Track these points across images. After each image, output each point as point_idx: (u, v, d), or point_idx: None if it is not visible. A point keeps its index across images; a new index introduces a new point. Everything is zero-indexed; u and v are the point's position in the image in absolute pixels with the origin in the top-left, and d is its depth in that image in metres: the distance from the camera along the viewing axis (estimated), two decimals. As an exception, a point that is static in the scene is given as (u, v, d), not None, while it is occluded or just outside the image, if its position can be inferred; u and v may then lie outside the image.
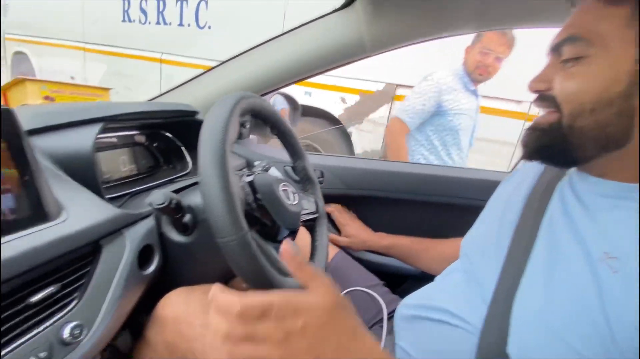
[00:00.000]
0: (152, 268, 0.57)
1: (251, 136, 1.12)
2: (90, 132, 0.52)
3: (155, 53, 3.18)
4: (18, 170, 0.42)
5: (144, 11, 3.13)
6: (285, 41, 0.82)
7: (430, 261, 0.94)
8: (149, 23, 3.13)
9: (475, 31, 0.76)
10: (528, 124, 2.42)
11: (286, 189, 0.62)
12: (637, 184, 0.45)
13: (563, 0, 0.61)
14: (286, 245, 0.39)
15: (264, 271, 0.41)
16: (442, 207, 1.04)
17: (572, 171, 0.57)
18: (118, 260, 0.51)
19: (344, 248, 1.02)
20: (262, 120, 0.66)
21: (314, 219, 0.70)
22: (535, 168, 0.67)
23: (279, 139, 0.72)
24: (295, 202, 0.63)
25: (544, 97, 0.49)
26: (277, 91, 1.03)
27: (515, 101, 2.25)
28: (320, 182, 1.05)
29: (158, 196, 0.50)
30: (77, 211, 0.47)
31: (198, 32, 2.90)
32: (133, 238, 0.53)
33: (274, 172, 1.01)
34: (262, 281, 0.41)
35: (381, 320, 0.80)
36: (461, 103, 1.68)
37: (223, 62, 0.85)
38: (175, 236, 0.60)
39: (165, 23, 3.03)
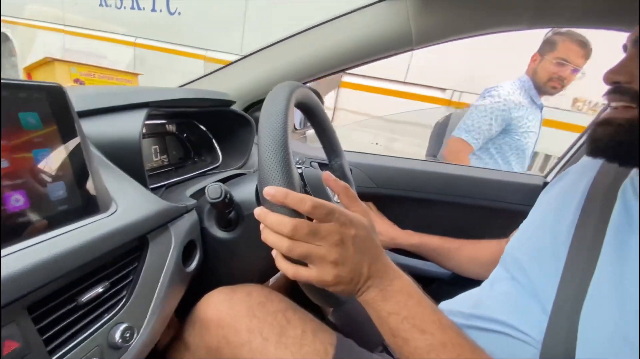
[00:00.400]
0: (193, 265, 0.54)
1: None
2: (137, 118, 0.48)
3: (129, 37, 3.37)
4: (69, 155, 0.38)
5: (119, -4, 3.30)
6: (327, 30, 0.78)
7: (462, 261, 0.91)
8: (124, 8, 3.33)
9: (528, 28, 0.72)
10: (451, 109, 2.60)
11: None
12: None
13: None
14: (327, 173, 0.47)
15: None
16: (473, 209, 1.01)
17: (634, 175, 0.55)
18: (165, 256, 0.47)
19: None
20: (307, 113, 0.63)
21: None
22: (586, 172, 0.64)
23: (318, 134, 0.69)
24: (339, 201, 0.60)
25: (622, 90, 0.46)
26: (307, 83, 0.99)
27: (440, 89, 2.51)
28: (349, 180, 1.02)
29: (214, 190, 0.46)
30: (126, 203, 0.43)
31: (169, 17, 3.10)
32: (178, 233, 0.49)
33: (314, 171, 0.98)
34: None
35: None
36: (529, 120, 1.52)
37: (258, 51, 0.81)
38: (217, 231, 0.57)
39: (139, 8, 3.23)
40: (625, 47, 0.50)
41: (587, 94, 2.55)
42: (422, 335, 0.41)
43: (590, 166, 0.66)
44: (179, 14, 3.05)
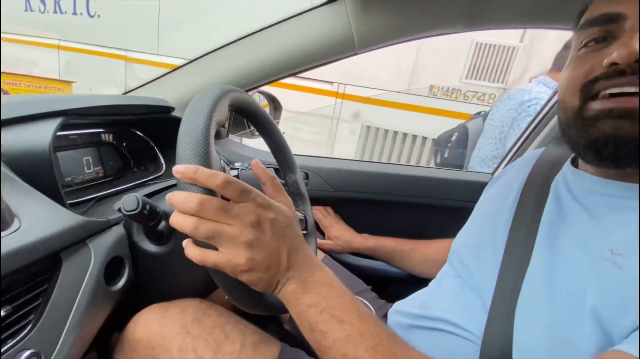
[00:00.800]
0: (121, 283, 0.51)
1: (230, 136, 1.07)
2: (47, 128, 0.45)
3: (53, 40, 3.57)
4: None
5: (43, 1, 3.53)
6: (269, 35, 0.78)
7: (415, 263, 0.93)
8: (47, 12, 3.53)
9: (464, 31, 0.74)
10: (339, 100, 3.16)
11: None
12: (637, 184, 0.44)
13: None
14: (256, 160, 0.47)
15: None
16: (427, 208, 1.02)
17: (566, 169, 0.56)
18: (82, 275, 0.44)
19: (330, 253, 0.99)
20: (250, 120, 0.62)
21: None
22: (524, 168, 0.66)
23: (268, 145, 0.68)
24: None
25: None
26: (258, 88, 0.98)
27: (328, 82, 3.06)
28: (305, 184, 1.01)
29: (129, 201, 0.44)
30: (33, 219, 0.40)
31: (89, 20, 3.36)
32: (99, 249, 0.47)
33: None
34: None
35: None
36: None
37: (201, 57, 0.79)
38: (148, 245, 0.54)
39: (61, 12, 3.46)
40: None
41: (441, 81, 3.05)
42: (341, 326, 0.39)
43: (528, 161, 0.68)
44: (98, 16, 3.29)
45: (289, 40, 0.78)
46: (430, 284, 0.69)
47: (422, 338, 0.59)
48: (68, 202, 0.53)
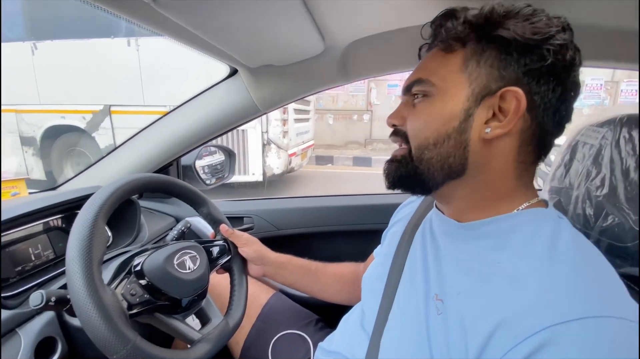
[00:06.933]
0: (55, 358, 0.61)
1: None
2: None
3: None
4: None
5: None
6: (185, 111, 0.89)
7: (328, 281, 0.88)
8: None
9: (342, 84, 0.84)
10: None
11: (183, 259, 0.65)
12: (471, 222, 0.50)
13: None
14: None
15: None
16: (368, 233, 1.09)
17: (433, 208, 0.62)
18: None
19: (282, 290, 1.05)
20: (153, 190, 0.70)
21: (229, 261, 0.76)
22: (413, 204, 0.72)
23: (178, 198, 0.75)
24: (194, 268, 0.65)
25: (397, 132, 0.53)
26: (202, 146, 1.09)
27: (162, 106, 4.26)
28: (252, 229, 1.10)
29: (34, 298, 0.50)
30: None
31: None
32: (28, 334, 0.57)
33: (199, 224, 1.05)
34: None
35: (309, 359, 0.84)
36: None
37: (128, 139, 0.91)
38: (75, 321, 0.63)
39: None
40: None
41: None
42: None
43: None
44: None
45: (202, 112, 0.89)
46: (343, 317, 0.75)
47: None
48: (10, 293, 0.64)
